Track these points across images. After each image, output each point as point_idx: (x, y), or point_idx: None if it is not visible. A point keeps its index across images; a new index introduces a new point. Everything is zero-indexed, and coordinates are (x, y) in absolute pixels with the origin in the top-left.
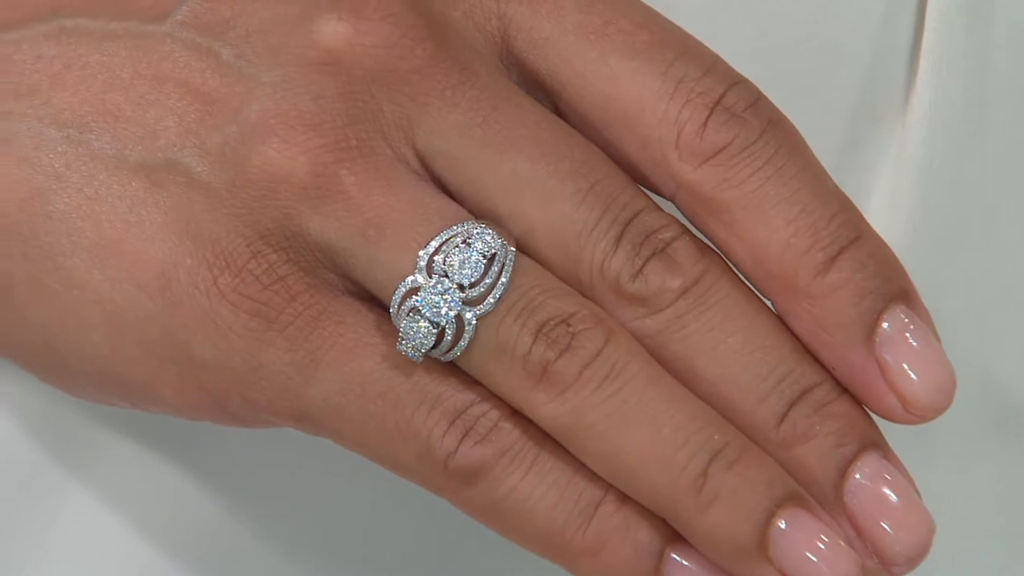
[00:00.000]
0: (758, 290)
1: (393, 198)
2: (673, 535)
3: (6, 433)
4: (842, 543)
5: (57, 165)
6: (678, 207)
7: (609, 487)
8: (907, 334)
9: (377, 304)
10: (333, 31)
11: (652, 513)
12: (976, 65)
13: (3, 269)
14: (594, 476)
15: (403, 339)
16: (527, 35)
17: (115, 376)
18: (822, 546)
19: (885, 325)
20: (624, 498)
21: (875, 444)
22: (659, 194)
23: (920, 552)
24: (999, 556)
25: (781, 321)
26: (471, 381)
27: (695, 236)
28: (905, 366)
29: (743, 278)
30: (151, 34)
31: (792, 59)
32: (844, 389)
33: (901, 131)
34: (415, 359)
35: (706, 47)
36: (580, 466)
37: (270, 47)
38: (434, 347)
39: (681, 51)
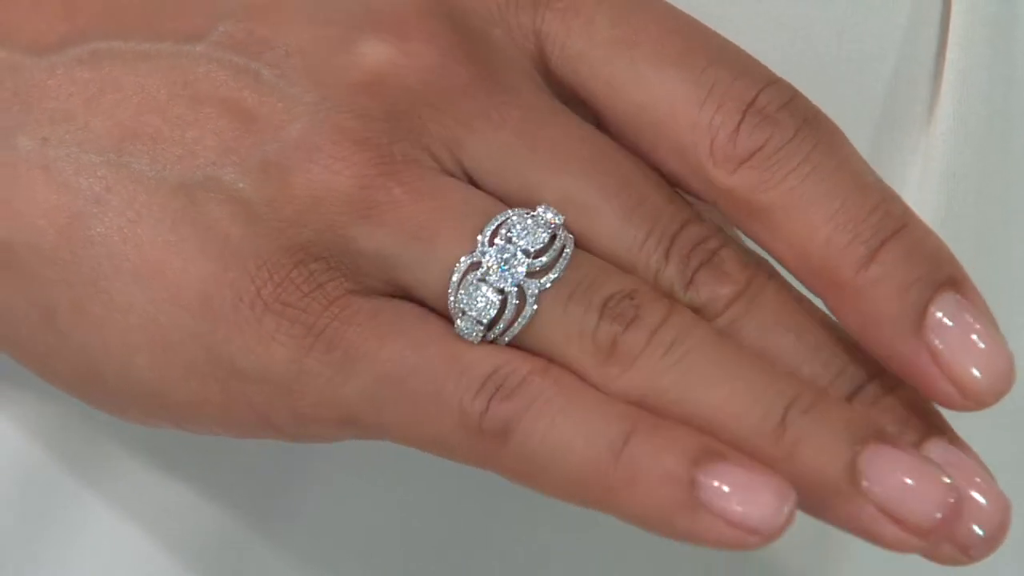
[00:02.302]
0: (807, 289)
1: (443, 200)
2: (712, 450)
3: (16, 443)
4: (934, 471)
5: (97, 189)
6: (721, 212)
7: (642, 417)
8: (958, 320)
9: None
10: (376, 52)
11: (684, 437)
12: (1000, 76)
13: (46, 295)
14: (625, 413)
15: (464, 312)
16: (561, 51)
17: (161, 398)
18: (914, 476)
19: (937, 313)
20: (655, 424)
21: (938, 429)
22: (701, 199)
23: (1004, 385)
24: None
25: (831, 319)
26: (500, 348)
27: (739, 242)
28: (958, 352)
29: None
30: (186, 54)
31: (816, 71)
32: (899, 382)
33: (925, 142)
34: (473, 337)
35: (740, 50)
36: (610, 407)
37: (311, 67)
38: (493, 323)
39: (713, 56)
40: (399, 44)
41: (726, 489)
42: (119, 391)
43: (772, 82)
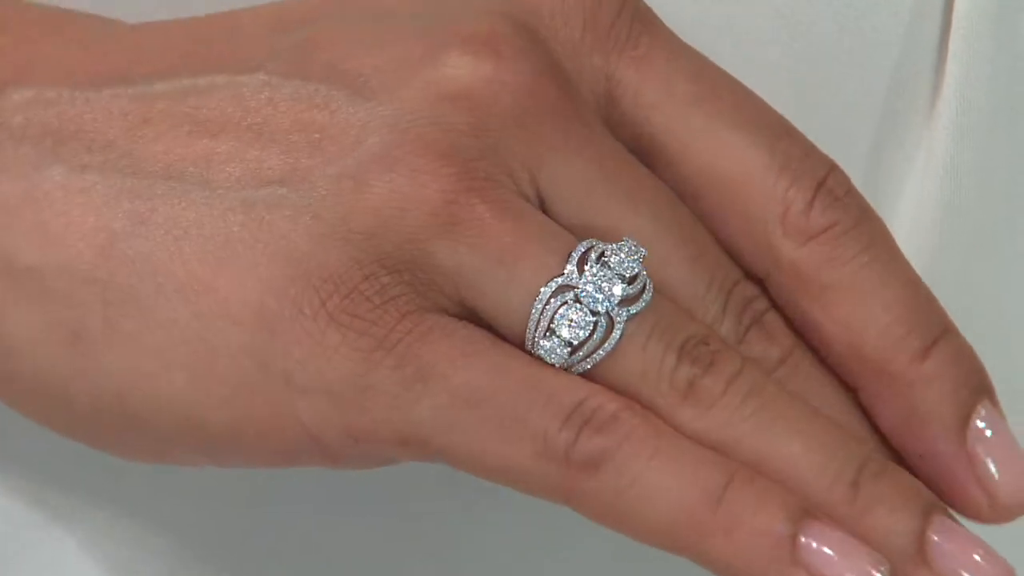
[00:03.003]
0: (844, 375)
1: (527, 224)
2: (807, 509)
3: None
4: (995, 552)
5: (141, 209)
6: (768, 286)
7: (738, 468)
8: (996, 431)
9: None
10: (467, 65)
11: (783, 492)
12: (1003, 68)
13: (74, 316)
14: (720, 460)
15: (553, 332)
16: (633, 98)
17: (194, 420)
18: (980, 553)
19: (979, 422)
20: (754, 475)
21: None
22: (748, 271)
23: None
24: None
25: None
26: (582, 380)
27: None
28: (991, 462)
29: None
30: (243, 83)
31: (818, 64)
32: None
33: (928, 135)
34: (555, 360)
35: (797, 128)
36: (703, 452)
37: (388, 84)
38: (579, 347)
39: (785, 130)
40: (493, 60)
41: (827, 551)
42: (144, 419)
43: (834, 166)
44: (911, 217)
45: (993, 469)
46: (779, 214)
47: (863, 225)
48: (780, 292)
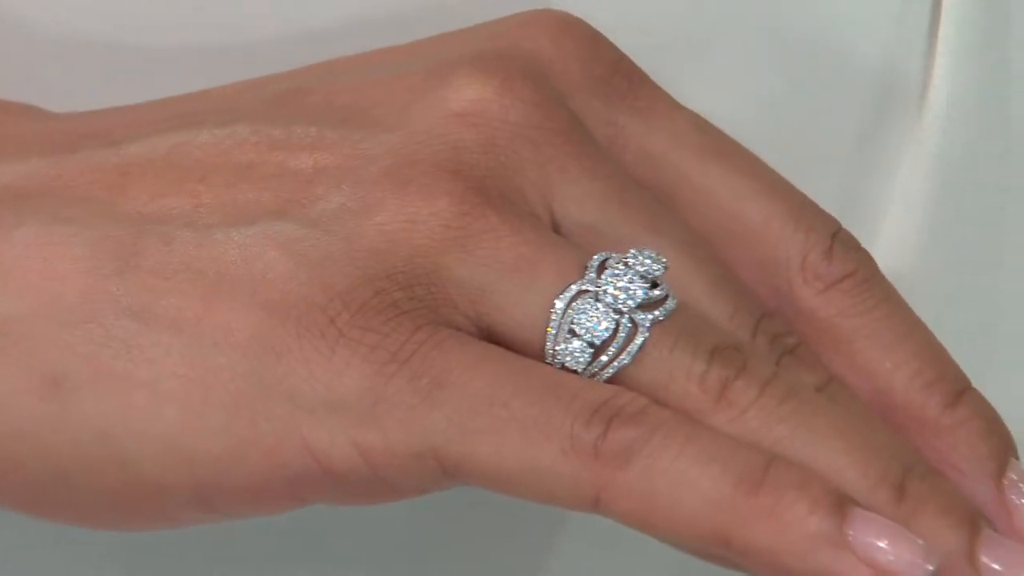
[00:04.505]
0: None
1: (543, 236)
2: (848, 499)
3: None
4: None
5: (126, 254)
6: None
7: (775, 455)
8: None
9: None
10: (476, 83)
11: (822, 478)
12: (993, 59)
13: (53, 360)
14: (756, 447)
15: (575, 333)
16: (639, 145)
17: (186, 453)
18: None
19: (1012, 474)
20: (793, 464)
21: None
22: None
23: None
24: None
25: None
26: (606, 384)
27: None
28: None
29: None
30: (228, 133)
31: (808, 56)
32: None
33: (918, 128)
34: (579, 363)
35: None
36: (737, 441)
37: (393, 111)
38: (601, 349)
39: (791, 185)
40: (503, 79)
41: (874, 536)
42: (130, 458)
43: (840, 224)
44: (902, 209)
45: None
46: (799, 261)
47: (878, 277)
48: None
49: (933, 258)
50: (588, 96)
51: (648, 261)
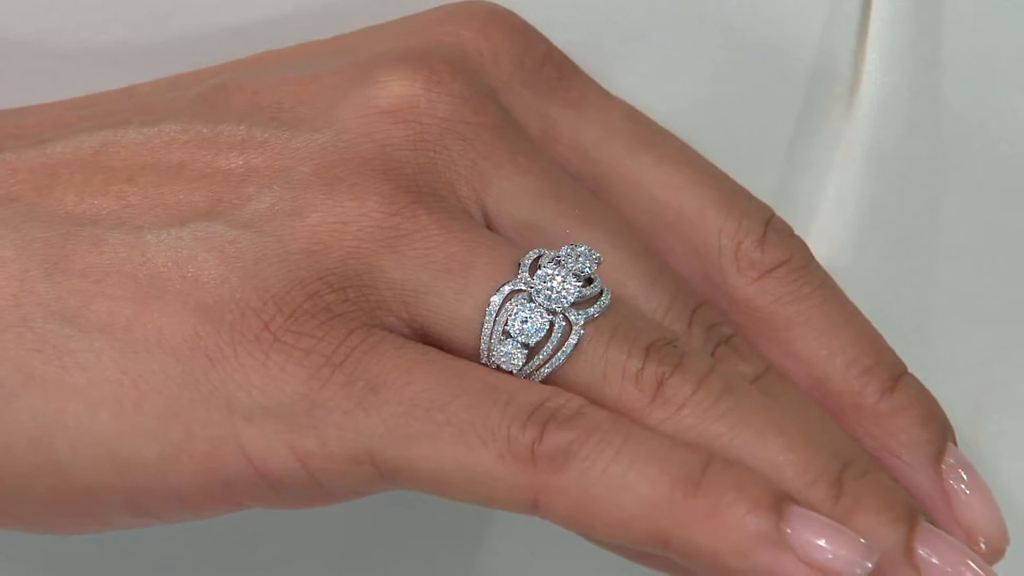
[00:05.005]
0: None
1: (475, 235)
2: (786, 498)
3: None
4: (981, 563)
5: (54, 256)
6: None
7: (713, 454)
8: (964, 469)
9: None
10: (407, 79)
11: (762, 476)
12: (924, 56)
13: None
14: (695, 447)
15: (509, 335)
16: (571, 136)
17: (121, 458)
18: (964, 565)
19: (950, 459)
20: (731, 462)
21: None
22: None
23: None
24: None
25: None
26: (542, 384)
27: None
28: (969, 502)
29: None
30: (156, 132)
31: (737, 52)
32: None
33: (849, 126)
34: (514, 365)
35: None
36: (674, 441)
37: (318, 109)
38: (536, 350)
39: (723, 173)
40: (429, 74)
41: (813, 534)
42: (63, 464)
43: (773, 211)
44: (833, 208)
45: (972, 509)
46: (732, 249)
47: (813, 264)
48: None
49: (865, 254)
50: (519, 88)
51: (581, 258)
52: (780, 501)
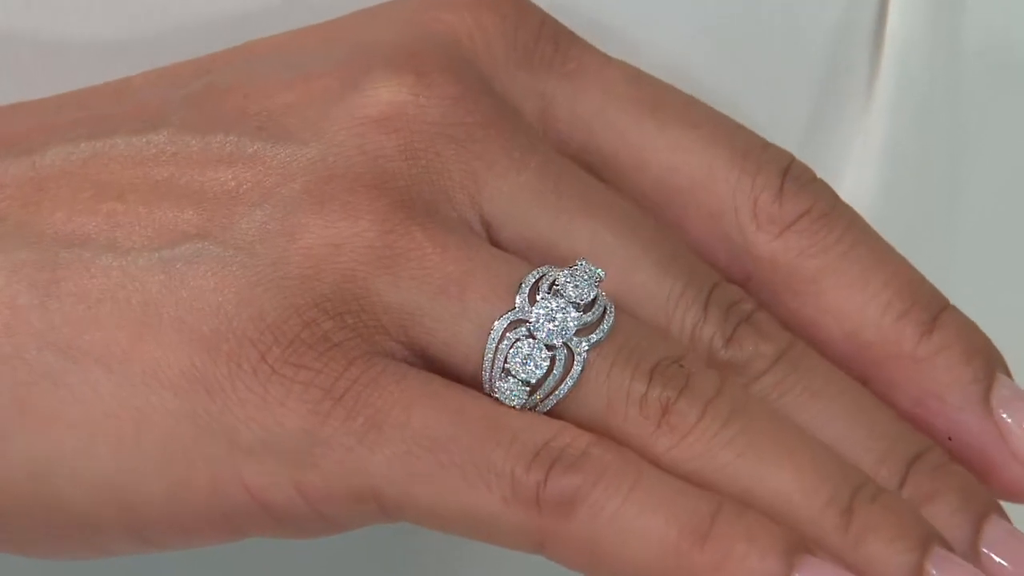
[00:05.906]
0: (849, 369)
1: (472, 252)
2: (800, 543)
3: None
4: None
5: (44, 281)
6: (750, 290)
7: (724, 500)
8: (1019, 399)
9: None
10: (395, 85)
11: (772, 525)
12: (942, 47)
13: None
14: (704, 494)
15: (509, 373)
16: (570, 110)
17: (122, 497)
18: None
19: (1003, 389)
20: (742, 508)
21: (997, 506)
22: (728, 277)
23: None
24: None
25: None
26: (547, 417)
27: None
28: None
29: None
30: (144, 143)
31: (754, 45)
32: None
33: (866, 117)
34: (516, 402)
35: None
36: (685, 485)
37: (307, 120)
38: (538, 386)
39: (736, 125)
40: (417, 76)
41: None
42: (64, 501)
43: (793, 156)
44: (849, 200)
45: None
46: (749, 207)
47: (839, 208)
48: (764, 292)
49: None
50: (514, 70)
51: (582, 280)
52: (792, 552)
